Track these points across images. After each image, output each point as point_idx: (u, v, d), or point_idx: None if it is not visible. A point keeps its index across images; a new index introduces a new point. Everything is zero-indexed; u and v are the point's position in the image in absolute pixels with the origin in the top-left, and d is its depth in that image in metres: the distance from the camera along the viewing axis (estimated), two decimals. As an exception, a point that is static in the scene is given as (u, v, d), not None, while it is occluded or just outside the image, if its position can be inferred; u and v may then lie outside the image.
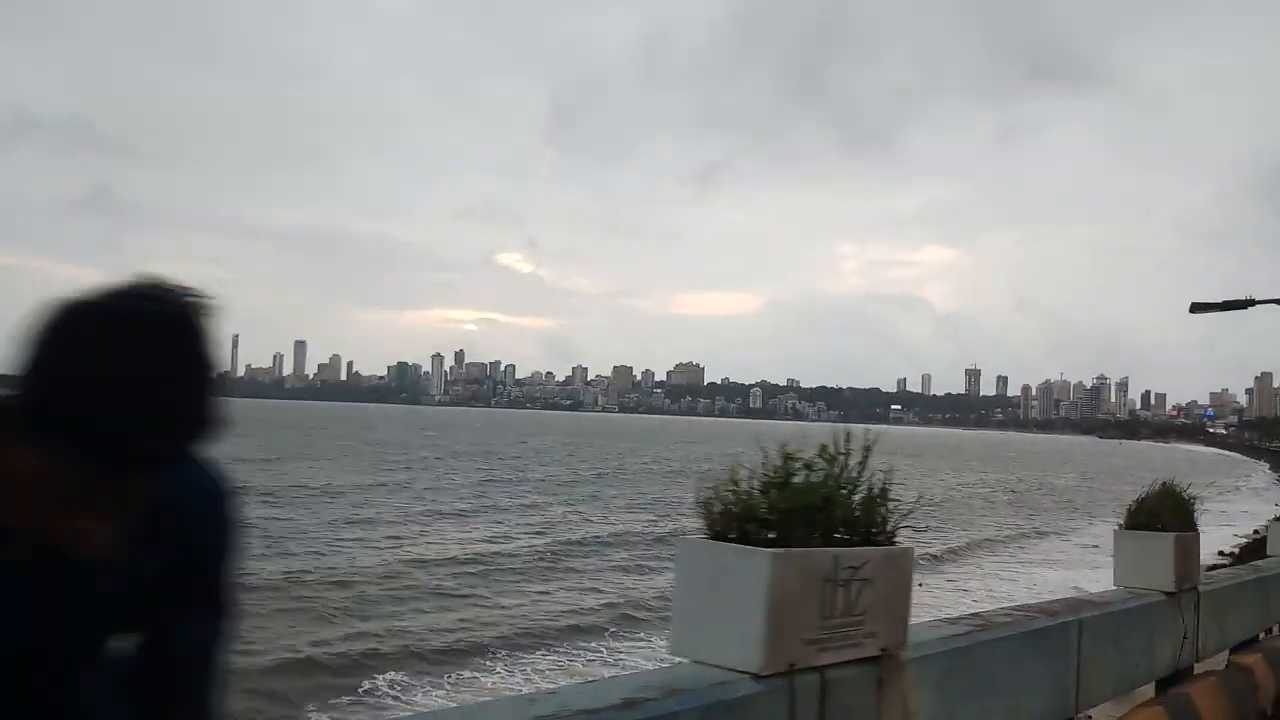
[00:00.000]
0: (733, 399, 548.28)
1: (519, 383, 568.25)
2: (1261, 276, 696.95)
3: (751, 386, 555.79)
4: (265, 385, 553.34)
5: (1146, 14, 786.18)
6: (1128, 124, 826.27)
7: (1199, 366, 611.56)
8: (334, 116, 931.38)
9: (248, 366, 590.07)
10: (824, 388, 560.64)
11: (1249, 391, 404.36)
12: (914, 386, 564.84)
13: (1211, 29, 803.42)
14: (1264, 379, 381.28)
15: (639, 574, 26.42)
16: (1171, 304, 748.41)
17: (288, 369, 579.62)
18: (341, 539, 29.98)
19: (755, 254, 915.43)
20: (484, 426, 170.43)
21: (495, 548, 29.75)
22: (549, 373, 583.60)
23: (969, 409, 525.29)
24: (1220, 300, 13.75)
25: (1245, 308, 13.59)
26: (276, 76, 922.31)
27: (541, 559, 28.11)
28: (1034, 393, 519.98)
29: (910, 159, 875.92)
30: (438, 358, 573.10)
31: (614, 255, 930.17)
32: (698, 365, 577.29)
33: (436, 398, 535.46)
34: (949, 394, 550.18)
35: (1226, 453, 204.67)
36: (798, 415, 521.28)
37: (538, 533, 33.81)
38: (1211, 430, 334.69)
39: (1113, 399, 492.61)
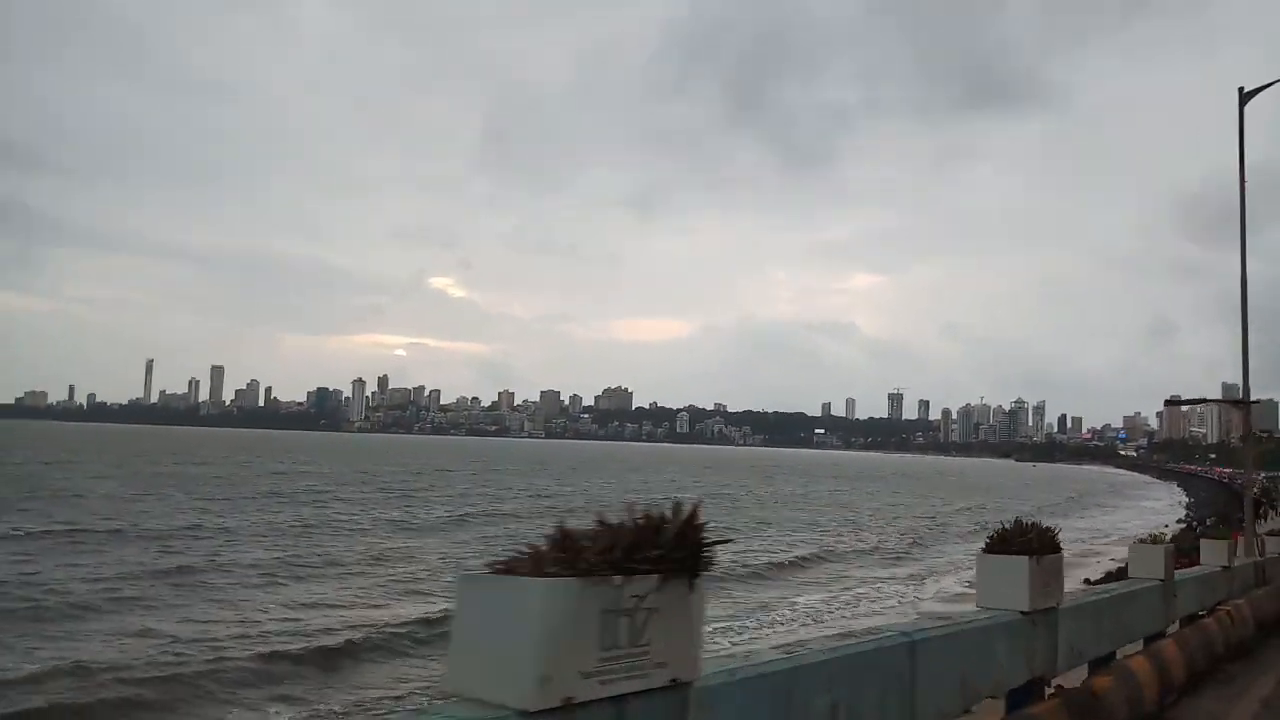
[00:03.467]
0: (660, 424, 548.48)
1: (444, 408, 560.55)
2: (1177, 305, 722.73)
3: (679, 411, 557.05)
4: (180, 412, 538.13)
5: (1083, 34, 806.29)
6: (1058, 148, 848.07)
7: (1115, 391, 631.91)
8: (260, 135, 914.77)
9: (162, 392, 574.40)
10: (750, 412, 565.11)
11: (1159, 415, 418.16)
12: (838, 411, 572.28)
13: (1144, 52, 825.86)
14: (1172, 401, 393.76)
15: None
16: (1092, 329, 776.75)
17: (204, 395, 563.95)
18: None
19: (691, 279, 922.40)
20: (351, 452, 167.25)
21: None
22: (475, 398, 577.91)
23: (891, 432, 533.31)
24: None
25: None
26: (200, 93, 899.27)
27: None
28: (954, 416, 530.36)
29: (846, 183, 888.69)
30: (359, 383, 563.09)
31: (549, 279, 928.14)
32: (626, 390, 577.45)
33: (357, 424, 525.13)
34: (872, 418, 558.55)
35: (1129, 473, 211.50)
36: (724, 439, 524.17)
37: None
38: (1123, 452, 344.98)
39: (1030, 422, 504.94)
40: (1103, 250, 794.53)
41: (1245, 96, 19.92)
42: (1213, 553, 14.43)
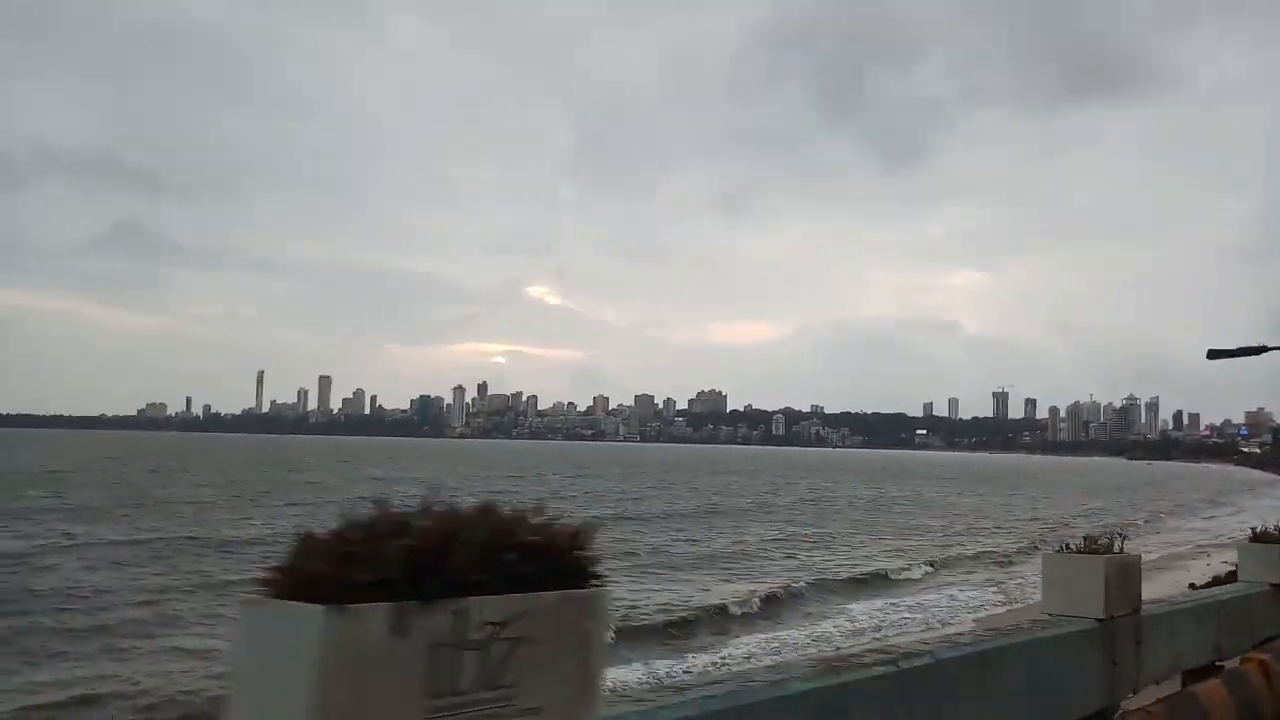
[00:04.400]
0: (755, 426, 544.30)
1: (541, 414, 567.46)
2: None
3: (775, 413, 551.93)
4: (290, 421, 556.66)
5: (1198, 10, 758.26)
6: (1170, 134, 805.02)
7: (1236, 385, 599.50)
8: (357, 150, 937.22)
9: (273, 402, 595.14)
10: (848, 413, 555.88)
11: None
12: (940, 411, 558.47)
13: (1265, 26, 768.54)
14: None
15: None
16: (1209, 321, 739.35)
17: (312, 404, 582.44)
18: None
19: (784, 280, 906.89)
20: (452, 456, 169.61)
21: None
22: (570, 403, 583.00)
23: (996, 432, 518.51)
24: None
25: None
26: (301, 112, 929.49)
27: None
28: (1063, 414, 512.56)
29: (944, 177, 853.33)
30: (459, 390, 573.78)
31: (642, 284, 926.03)
32: (720, 393, 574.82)
33: (458, 430, 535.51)
34: (976, 418, 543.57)
35: (1259, 472, 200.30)
36: (821, 441, 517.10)
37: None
38: (1245, 449, 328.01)
39: (1143, 419, 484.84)
40: (1220, 238, 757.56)
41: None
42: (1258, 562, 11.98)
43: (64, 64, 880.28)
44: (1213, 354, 14.60)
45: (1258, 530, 10.68)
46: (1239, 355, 14.43)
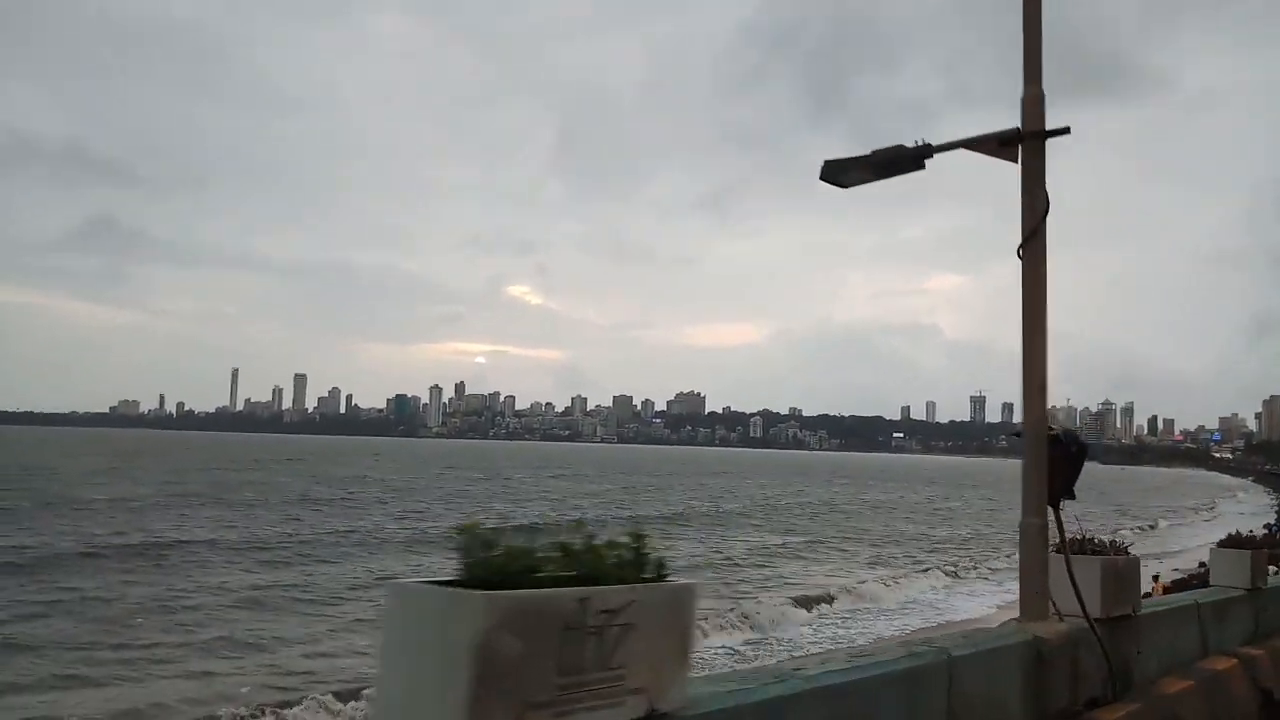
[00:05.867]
0: (733, 428, 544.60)
1: (518, 414, 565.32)
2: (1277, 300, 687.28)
3: (752, 416, 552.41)
4: (264, 419, 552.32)
5: (1183, 14, 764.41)
6: (1152, 138, 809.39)
7: (1210, 392, 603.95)
8: (338, 147, 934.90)
9: (247, 400, 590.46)
10: (826, 416, 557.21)
11: (1258, 416, 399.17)
12: (918, 414, 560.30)
13: (1250, 31, 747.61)
14: (1273, 402, 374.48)
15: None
16: (1186, 328, 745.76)
17: (287, 403, 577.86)
18: None
19: (765, 282, 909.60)
20: (411, 456, 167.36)
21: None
22: (548, 403, 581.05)
23: (973, 436, 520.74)
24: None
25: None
26: (281, 107, 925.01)
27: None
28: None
29: (925, 180, 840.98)
30: (436, 389, 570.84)
31: (624, 284, 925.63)
32: (699, 394, 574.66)
33: (434, 430, 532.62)
34: (954, 421, 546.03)
35: (1227, 477, 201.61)
36: (799, 444, 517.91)
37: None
38: (1217, 455, 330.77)
39: (1118, 424, 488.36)
40: (1199, 245, 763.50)
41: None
42: (1230, 567, 9.84)
43: (35, 54, 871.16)
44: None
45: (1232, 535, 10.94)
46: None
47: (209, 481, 79.34)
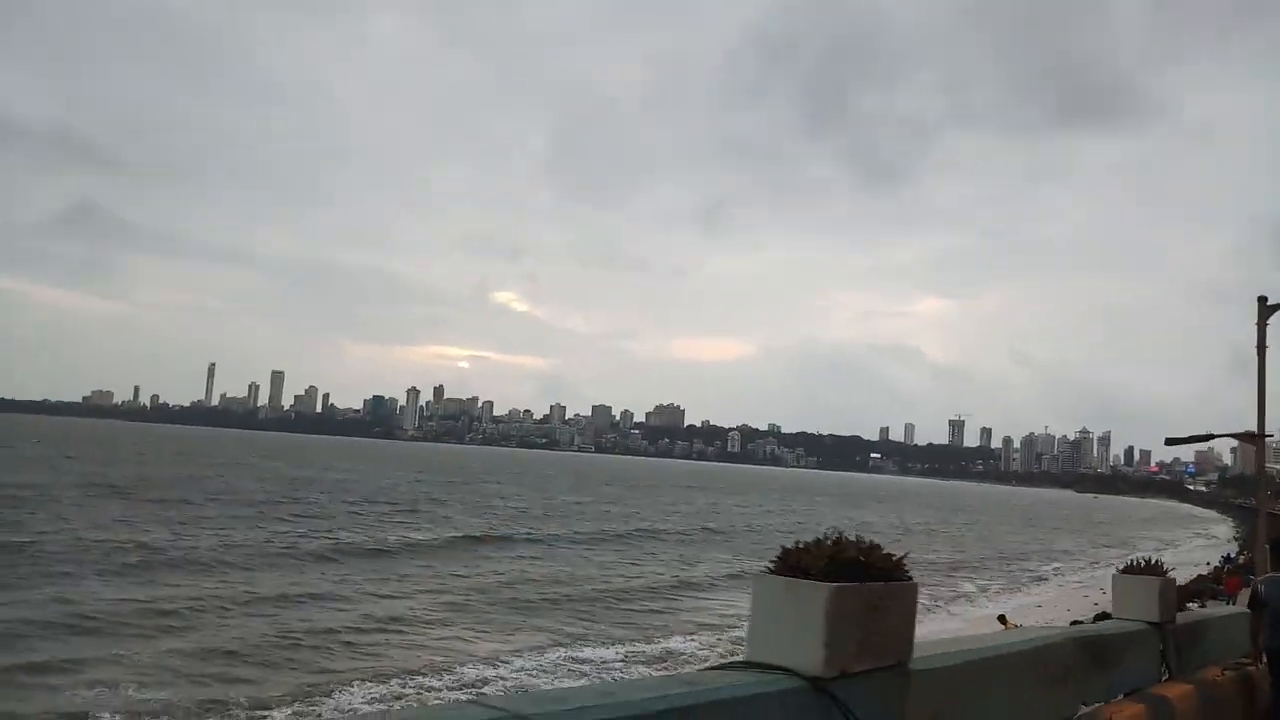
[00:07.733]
0: (711, 442, 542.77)
1: (496, 420, 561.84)
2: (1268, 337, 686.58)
3: (730, 430, 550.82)
4: (238, 415, 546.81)
5: (1185, 47, 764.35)
6: (1147, 170, 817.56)
7: (1188, 425, 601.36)
8: (329, 146, 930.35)
9: (223, 395, 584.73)
10: (805, 434, 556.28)
11: (1233, 450, 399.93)
12: (897, 435, 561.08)
13: (1249, 67, 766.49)
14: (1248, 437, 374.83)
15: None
16: (1167, 360, 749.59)
17: (263, 399, 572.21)
18: None
19: (753, 297, 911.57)
20: (375, 457, 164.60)
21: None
22: (527, 410, 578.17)
23: (951, 459, 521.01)
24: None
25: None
26: (273, 102, 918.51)
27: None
28: (1017, 445, 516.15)
29: (920, 201, 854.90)
30: (413, 392, 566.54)
31: (612, 294, 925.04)
32: (678, 407, 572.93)
33: (410, 432, 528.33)
34: (931, 444, 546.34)
35: (1200, 509, 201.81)
36: (776, 460, 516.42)
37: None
38: (1191, 487, 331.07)
39: (1095, 453, 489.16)
40: (1186, 278, 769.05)
41: None
42: (1136, 596, 8.42)
43: (20, 36, 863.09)
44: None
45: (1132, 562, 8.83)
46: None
47: (136, 477, 76.29)
